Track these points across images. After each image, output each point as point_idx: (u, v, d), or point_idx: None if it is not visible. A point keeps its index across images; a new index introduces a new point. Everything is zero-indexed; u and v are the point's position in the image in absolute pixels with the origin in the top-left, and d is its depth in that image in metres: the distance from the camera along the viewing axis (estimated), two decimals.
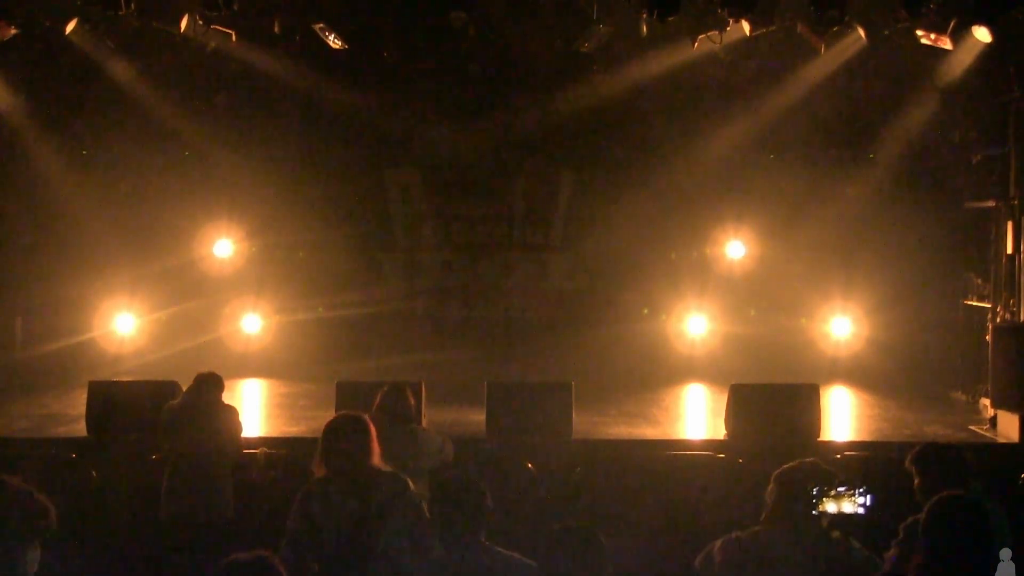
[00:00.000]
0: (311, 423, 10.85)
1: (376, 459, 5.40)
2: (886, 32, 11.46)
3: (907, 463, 5.54)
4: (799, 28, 11.68)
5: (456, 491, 4.74)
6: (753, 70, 13.33)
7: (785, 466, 4.94)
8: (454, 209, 15.52)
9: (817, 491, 4.75)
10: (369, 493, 5.24)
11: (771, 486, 4.92)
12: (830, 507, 4.79)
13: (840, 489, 4.76)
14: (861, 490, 4.78)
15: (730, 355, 14.30)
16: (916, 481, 5.46)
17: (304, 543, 5.25)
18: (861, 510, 4.78)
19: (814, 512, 4.75)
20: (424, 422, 9.43)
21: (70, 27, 11.35)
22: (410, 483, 5.40)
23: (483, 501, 4.70)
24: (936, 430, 10.79)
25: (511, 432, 9.78)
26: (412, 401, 7.64)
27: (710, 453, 9.42)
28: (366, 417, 5.55)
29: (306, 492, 5.37)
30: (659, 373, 14.16)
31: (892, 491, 5.53)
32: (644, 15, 11.21)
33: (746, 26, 11.43)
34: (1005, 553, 4.61)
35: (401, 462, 6.09)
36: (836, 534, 4.75)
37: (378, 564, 5.12)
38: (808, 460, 4.96)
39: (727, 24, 11.28)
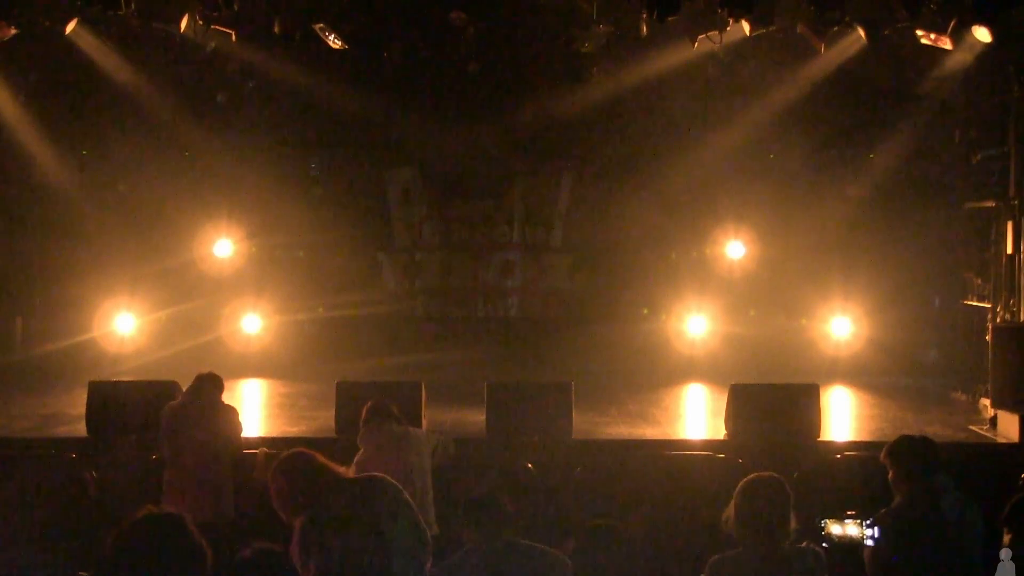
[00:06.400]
0: (311, 423, 10.88)
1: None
2: (886, 32, 11.46)
3: (882, 457, 5.60)
4: (799, 28, 11.67)
5: (478, 506, 5.20)
6: (753, 70, 13.32)
7: (748, 477, 4.82)
8: (454, 209, 15.52)
9: (824, 523, 4.74)
10: (373, 502, 5.12)
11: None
12: (835, 529, 4.77)
13: (849, 515, 4.76)
14: (868, 522, 4.78)
15: (730, 355, 14.28)
16: (890, 473, 5.55)
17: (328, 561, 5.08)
18: (870, 542, 4.79)
19: (821, 532, 4.73)
20: (424, 423, 9.49)
21: (70, 27, 11.37)
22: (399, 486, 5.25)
23: (503, 508, 5.20)
24: (936, 430, 10.75)
25: (511, 432, 9.77)
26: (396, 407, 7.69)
27: (710, 453, 9.40)
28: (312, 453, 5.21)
29: (304, 526, 4.99)
30: (659, 373, 14.14)
31: (891, 491, 5.58)
32: (644, 15, 11.20)
33: (746, 26, 11.43)
34: (1005, 553, 4.63)
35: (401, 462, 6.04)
36: (805, 544, 4.68)
37: (399, 562, 5.03)
38: (773, 475, 4.83)
39: (727, 24, 11.28)
